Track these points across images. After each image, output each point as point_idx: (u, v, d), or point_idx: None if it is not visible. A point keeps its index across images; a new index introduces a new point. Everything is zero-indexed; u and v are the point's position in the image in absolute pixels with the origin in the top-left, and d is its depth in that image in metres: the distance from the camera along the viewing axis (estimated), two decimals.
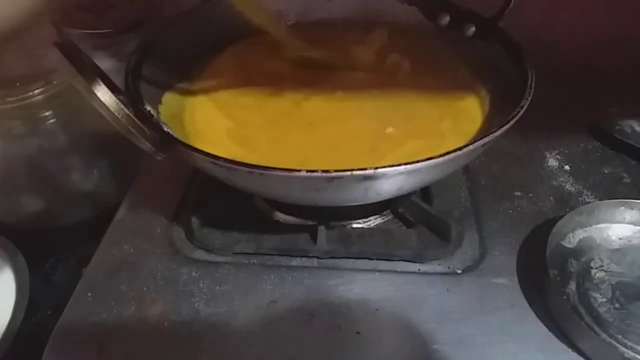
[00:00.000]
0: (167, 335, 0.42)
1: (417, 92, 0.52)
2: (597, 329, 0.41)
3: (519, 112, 0.40)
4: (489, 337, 0.41)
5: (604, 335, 0.41)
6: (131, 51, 0.48)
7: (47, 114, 0.53)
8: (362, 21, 0.60)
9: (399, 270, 0.47)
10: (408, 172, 0.36)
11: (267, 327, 0.42)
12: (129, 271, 0.47)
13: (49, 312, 0.53)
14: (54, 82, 0.52)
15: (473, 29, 0.55)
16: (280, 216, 0.51)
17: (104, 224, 0.52)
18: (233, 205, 0.51)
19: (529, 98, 0.42)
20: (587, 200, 0.54)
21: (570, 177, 0.56)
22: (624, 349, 0.40)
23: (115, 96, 0.35)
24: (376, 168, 0.35)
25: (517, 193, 0.54)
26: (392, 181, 0.37)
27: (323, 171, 0.34)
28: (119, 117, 0.35)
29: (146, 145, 0.37)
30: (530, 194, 0.54)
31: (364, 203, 0.45)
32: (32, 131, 0.54)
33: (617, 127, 0.60)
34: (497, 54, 0.51)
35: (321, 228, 0.48)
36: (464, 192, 0.54)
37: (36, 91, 0.50)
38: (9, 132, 0.53)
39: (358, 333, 0.42)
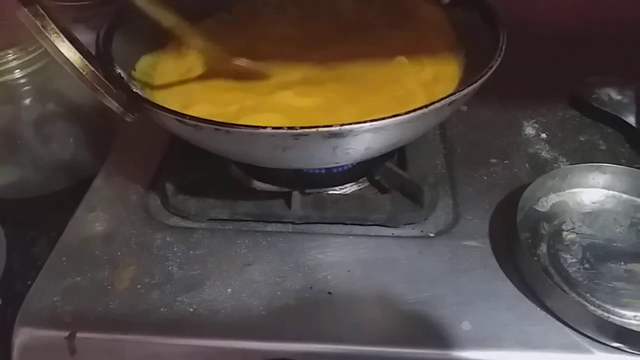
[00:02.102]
0: (140, 297, 0.42)
1: (393, 58, 0.52)
2: (566, 288, 0.42)
3: (487, 72, 0.40)
4: (459, 297, 0.42)
5: (573, 294, 0.41)
6: (105, 16, 0.48)
7: (22, 81, 0.53)
8: None
9: (372, 234, 0.47)
10: (375, 129, 0.36)
11: (240, 288, 0.43)
12: (103, 237, 0.47)
13: (29, 282, 0.53)
14: (29, 49, 0.51)
15: None
16: (256, 183, 0.51)
17: (83, 194, 0.52)
18: (209, 173, 0.51)
19: (499, 59, 0.42)
20: (562, 166, 0.54)
21: (547, 145, 0.57)
22: (592, 307, 0.40)
23: (81, 55, 0.35)
24: (342, 125, 0.35)
25: (493, 160, 0.54)
26: (359, 139, 0.37)
27: (289, 128, 0.35)
28: (84, 74, 0.35)
29: (113, 104, 0.37)
30: (506, 161, 0.54)
31: (336, 165, 0.45)
32: (7, 100, 0.54)
33: (594, 96, 0.61)
34: (472, 21, 0.51)
35: (295, 193, 0.48)
36: (440, 159, 0.55)
37: (10, 57, 0.50)
38: None
39: (330, 293, 0.42)
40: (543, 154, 0.56)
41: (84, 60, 0.35)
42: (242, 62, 0.50)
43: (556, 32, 0.70)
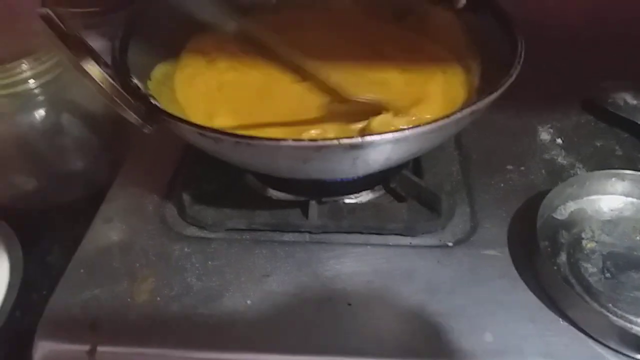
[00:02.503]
0: (159, 309, 0.42)
1: (406, 65, 0.51)
2: (587, 298, 0.42)
3: (507, 79, 0.40)
4: (479, 308, 0.42)
5: (595, 304, 0.41)
6: (120, 26, 0.48)
7: (36, 91, 0.53)
8: None
9: (390, 243, 0.47)
10: (396, 141, 0.36)
11: (259, 299, 0.42)
12: (121, 248, 0.47)
13: (44, 292, 0.53)
14: (43, 59, 0.51)
15: (464, 0, 0.54)
16: (272, 192, 0.51)
17: (98, 203, 0.52)
18: (225, 182, 0.51)
19: (519, 66, 0.42)
20: (579, 172, 0.54)
21: (563, 151, 0.56)
22: (614, 318, 0.40)
23: (99, 66, 0.35)
24: (363, 136, 0.35)
25: (509, 167, 0.54)
26: (379, 150, 0.37)
27: (310, 140, 0.34)
28: (103, 86, 0.35)
29: (132, 117, 0.37)
30: (522, 167, 0.54)
31: (354, 175, 0.45)
32: (22, 110, 0.54)
33: (609, 100, 0.60)
34: (487, 26, 0.50)
35: (312, 203, 0.48)
36: (456, 166, 0.54)
37: (24, 67, 0.50)
38: None
39: (349, 305, 0.42)
40: (559, 159, 0.55)
41: (104, 73, 0.35)
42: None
43: (568, 34, 0.69)
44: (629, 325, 0.40)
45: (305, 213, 0.48)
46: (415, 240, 0.47)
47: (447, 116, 0.36)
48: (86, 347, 0.40)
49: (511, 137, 0.58)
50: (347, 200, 0.51)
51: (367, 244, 0.47)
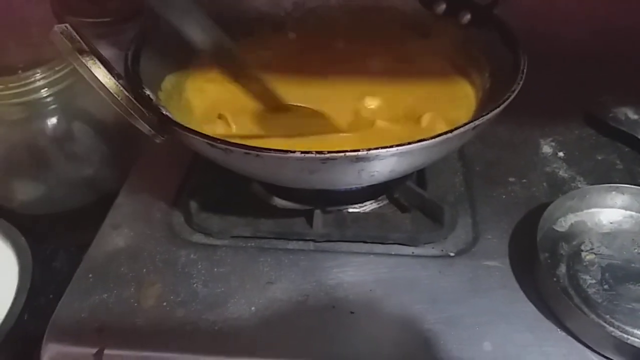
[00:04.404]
0: (165, 314, 0.43)
1: (412, 80, 0.52)
2: (585, 309, 0.42)
3: (510, 96, 0.41)
4: (479, 317, 0.42)
5: (593, 316, 0.42)
6: (131, 37, 0.49)
7: (48, 99, 0.54)
8: (359, 7, 0.61)
9: (393, 253, 0.48)
10: (400, 154, 0.37)
11: (263, 306, 0.43)
12: (129, 254, 0.48)
13: (50, 296, 0.54)
14: (55, 69, 0.52)
15: (468, 16, 0.55)
16: (278, 201, 0.52)
17: (105, 209, 0.53)
18: (231, 191, 0.52)
19: (521, 82, 0.43)
20: (579, 185, 0.54)
21: (564, 164, 0.57)
22: (611, 329, 0.41)
23: (115, 79, 0.36)
24: (369, 149, 0.36)
25: (511, 179, 0.55)
26: (384, 163, 0.38)
27: (317, 152, 0.35)
28: (119, 99, 0.36)
29: (145, 127, 0.38)
30: (524, 180, 0.55)
31: (359, 186, 0.46)
32: (33, 117, 0.55)
33: (610, 115, 0.61)
34: (491, 42, 0.51)
35: (317, 212, 0.49)
36: (459, 177, 0.55)
37: (37, 76, 0.51)
38: (10, 117, 0.54)
39: (352, 313, 0.43)
40: (560, 173, 0.56)
41: (118, 85, 0.36)
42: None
43: (570, 48, 0.70)
44: (625, 336, 0.40)
45: (310, 222, 0.49)
46: (418, 250, 0.48)
47: (451, 131, 0.37)
48: (93, 350, 0.41)
49: (514, 150, 0.59)
50: (351, 210, 0.52)
51: (370, 253, 0.48)
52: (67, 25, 0.38)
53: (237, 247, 0.48)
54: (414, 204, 0.51)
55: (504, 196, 0.53)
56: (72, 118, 0.57)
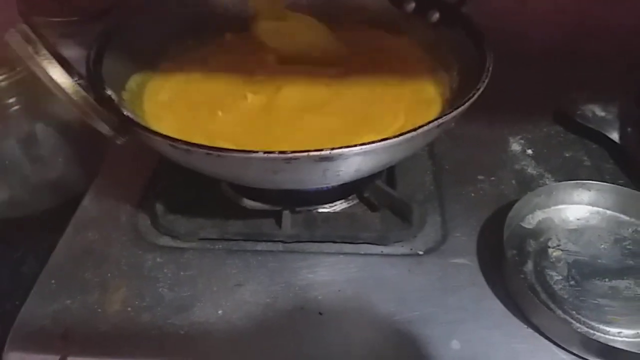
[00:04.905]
0: (130, 320, 0.42)
1: (380, 80, 0.52)
2: (552, 305, 0.43)
3: (474, 93, 0.41)
4: (448, 315, 0.42)
5: (559, 312, 0.42)
6: (95, 36, 0.48)
7: (11, 101, 0.53)
8: (329, 7, 0.61)
9: (362, 252, 0.48)
10: (364, 153, 0.36)
11: (231, 309, 0.43)
12: (93, 258, 0.47)
13: (17, 302, 0.53)
14: (18, 69, 0.51)
15: (437, 15, 0.55)
16: (247, 202, 0.52)
17: (72, 213, 0.52)
18: (199, 192, 0.52)
19: (486, 80, 0.43)
20: (547, 182, 0.55)
21: (533, 161, 0.58)
22: (577, 324, 0.41)
23: (73, 79, 0.35)
24: (332, 149, 0.35)
25: (480, 177, 0.55)
26: (349, 162, 0.37)
27: (280, 152, 0.35)
28: (75, 99, 0.35)
29: (104, 128, 0.37)
30: (493, 178, 0.55)
31: (326, 186, 0.46)
32: None
33: (578, 112, 0.62)
34: (459, 41, 0.51)
35: (286, 213, 0.48)
36: (429, 176, 0.55)
37: (0, 77, 0.50)
38: None
39: (320, 314, 0.43)
40: (529, 170, 0.57)
41: (76, 85, 0.35)
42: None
43: (539, 47, 0.71)
44: (591, 331, 0.41)
45: (279, 222, 0.48)
46: (387, 249, 0.48)
47: (415, 129, 0.37)
48: (57, 357, 0.40)
49: (483, 148, 0.59)
50: (321, 210, 0.51)
51: (339, 253, 0.48)
52: (25, 25, 0.37)
53: (204, 249, 0.48)
54: (383, 203, 0.51)
55: (473, 194, 0.53)
56: (36, 120, 0.55)
